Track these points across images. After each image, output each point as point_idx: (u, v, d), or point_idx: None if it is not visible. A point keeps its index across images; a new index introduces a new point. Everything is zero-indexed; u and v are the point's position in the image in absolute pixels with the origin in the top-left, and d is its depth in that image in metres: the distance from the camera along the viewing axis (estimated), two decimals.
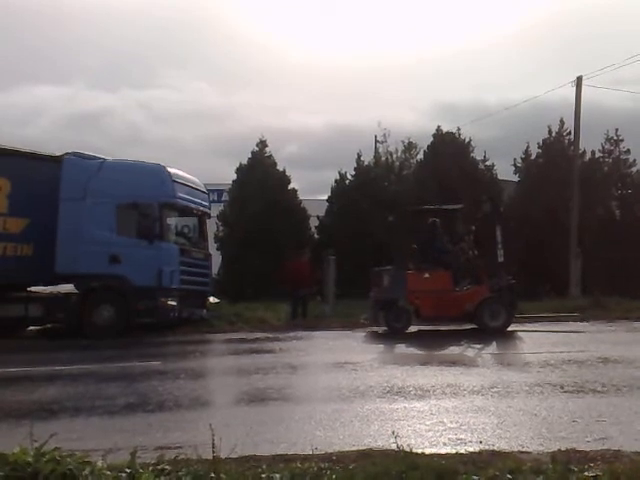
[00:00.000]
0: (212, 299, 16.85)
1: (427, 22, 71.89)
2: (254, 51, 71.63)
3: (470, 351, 12.05)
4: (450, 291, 14.02)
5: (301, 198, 25.10)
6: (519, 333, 13.71)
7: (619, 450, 5.36)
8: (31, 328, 14.91)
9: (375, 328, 14.66)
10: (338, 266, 17.76)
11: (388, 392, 7.85)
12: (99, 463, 4.61)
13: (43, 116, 60.74)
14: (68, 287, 14.21)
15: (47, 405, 7.20)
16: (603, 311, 16.86)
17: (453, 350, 11.92)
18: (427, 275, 14.11)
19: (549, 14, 63.68)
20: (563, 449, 5.37)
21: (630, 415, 6.72)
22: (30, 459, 4.40)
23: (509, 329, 13.90)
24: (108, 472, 4.48)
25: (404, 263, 14.39)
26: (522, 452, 5.41)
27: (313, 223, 25.00)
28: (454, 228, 15.10)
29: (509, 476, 4.64)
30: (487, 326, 13.80)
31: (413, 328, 14.30)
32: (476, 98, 55.19)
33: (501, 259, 13.92)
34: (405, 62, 67.75)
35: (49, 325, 14.80)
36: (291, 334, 14.14)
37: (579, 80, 21.83)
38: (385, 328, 14.32)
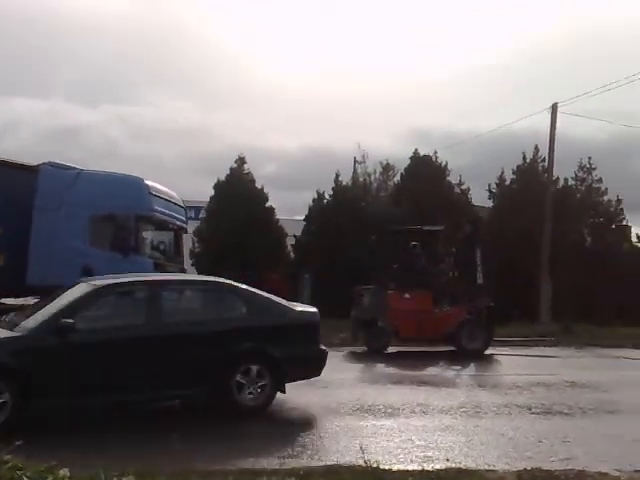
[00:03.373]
0: None
1: (402, 48, 72.74)
2: (234, 71, 71.84)
3: (441, 372, 12.09)
4: (430, 312, 14.06)
5: (278, 217, 25.14)
6: (490, 356, 13.81)
7: (583, 470, 5.45)
8: None
9: (353, 348, 14.56)
10: (313, 284, 17.78)
11: (358, 409, 7.88)
12: (62, 472, 4.56)
13: (21, 129, 60.08)
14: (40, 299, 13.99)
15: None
16: (572, 337, 17.10)
17: (425, 371, 11.96)
18: (407, 295, 14.15)
19: (525, 45, 64.88)
20: (529, 468, 5.44)
21: (595, 437, 6.84)
22: None
23: (486, 352, 13.92)
24: None
25: (385, 283, 14.37)
26: (488, 470, 5.47)
27: (290, 242, 25.02)
28: (434, 249, 15.20)
29: None
30: (465, 348, 13.81)
31: (392, 349, 14.32)
32: (450, 125, 55.76)
33: (480, 281, 14.00)
34: (380, 87, 68.24)
35: None
36: None
37: (554, 107, 22.29)
38: (364, 347, 14.32)
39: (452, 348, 14.10)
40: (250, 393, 7.41)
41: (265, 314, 7.89)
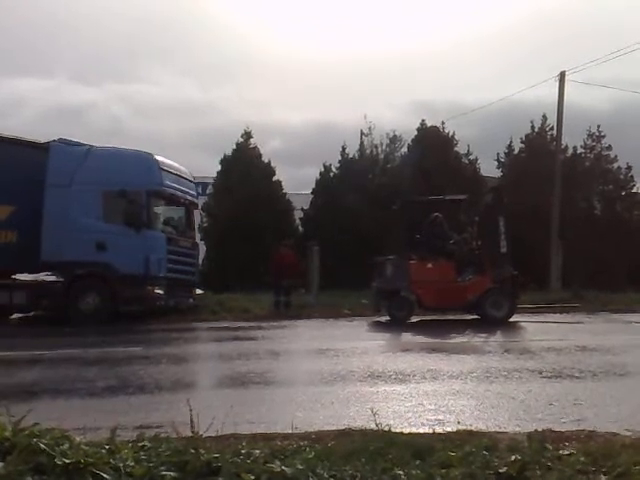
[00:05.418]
0: (197, 291, 16.81)
1: (407, 19, 71.84)
2: (237, 45, 71.32)
3: (454, 339, 12.08)
4: (453, 281, 14.04)
5: (285, 191, 25.11)
6: (512, 324, 13.78)
7: (594, 431, 5.46)
8: (15, 316, 14.81)
9: (376, 318, 14.61)
10: (322, 257, 17.78)
11: (369, 376, 7.94)
12: (78, 439, 4.63)
13: (25, 108, 60.11)
14: (53, 274, 14.12)
15: (27, 387, 7.19)
16: (582, 303, 17.07)
17: (437, 338, 11.97)
18: (430, 265, 14.12)
19: (528, 14, 63.80)
20: (539, 429, 5.47)
21: (605, 399, 6.85)
22: (8, 434, 4.42)
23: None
24: (86, 447, 4.49)
25: (407, 253, 14.33)
26: (499, 432, 5.50)
27: (297, 216, 25.03)
28: (457, 218, 15.11)
29: (485, 453, 4.73)
30: (489, 316, 13.83)
31: (415, 318, 14.36)
32: (455, 96, 55.27)
33: (504, 250, 13.90)
34: (382, 58, 67.58)
35: (32, 313, 14.73)
36: (274, 323, 14.17)
37: (562, 75, 22.03)
38: (387, 317, 14.36)
39: (476, 317, 14.17)
40: None
41: None
